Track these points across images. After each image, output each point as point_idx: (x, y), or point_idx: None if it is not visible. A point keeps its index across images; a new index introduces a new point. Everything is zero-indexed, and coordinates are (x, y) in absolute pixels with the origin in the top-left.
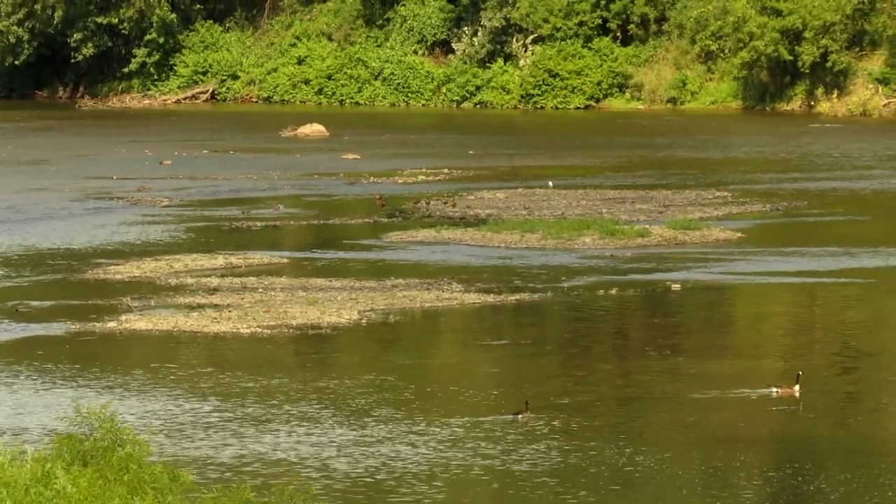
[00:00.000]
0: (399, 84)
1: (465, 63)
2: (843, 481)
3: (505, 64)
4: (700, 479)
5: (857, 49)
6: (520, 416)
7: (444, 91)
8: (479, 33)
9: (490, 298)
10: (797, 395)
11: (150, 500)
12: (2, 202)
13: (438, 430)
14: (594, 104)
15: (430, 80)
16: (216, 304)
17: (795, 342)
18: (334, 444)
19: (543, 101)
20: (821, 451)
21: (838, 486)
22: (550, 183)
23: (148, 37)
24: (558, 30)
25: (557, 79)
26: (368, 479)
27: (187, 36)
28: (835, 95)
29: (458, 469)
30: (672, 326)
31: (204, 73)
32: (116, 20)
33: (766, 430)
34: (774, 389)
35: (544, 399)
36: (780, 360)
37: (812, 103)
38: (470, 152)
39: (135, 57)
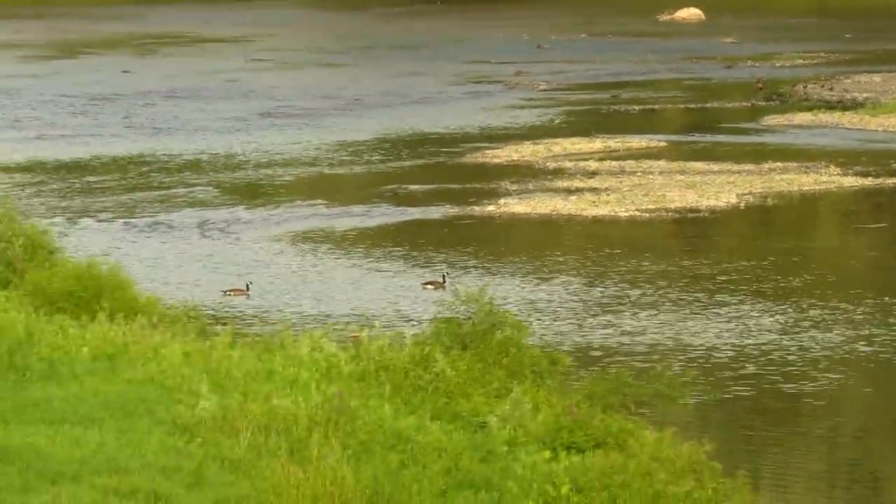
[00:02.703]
0: None
1: None
2: None
3: None
4: None
5: None
6: None
7: None
8: None
9: (868, 182)
10: None
11: (528, 383)
12: (380, 86)
13: (832, 314)
14: None
15: None
16: (594, 188)
17: None
18: (713, 329)
19: None
20: None
21: None
22: None
23: None
24: None
25: None
26: (766, 370)
27: None
28: None
29: (868, 354)
30: None
31: None
32: None
33: None
34: None
35: None
36: None
37: None
38: (847, 36)
39: None
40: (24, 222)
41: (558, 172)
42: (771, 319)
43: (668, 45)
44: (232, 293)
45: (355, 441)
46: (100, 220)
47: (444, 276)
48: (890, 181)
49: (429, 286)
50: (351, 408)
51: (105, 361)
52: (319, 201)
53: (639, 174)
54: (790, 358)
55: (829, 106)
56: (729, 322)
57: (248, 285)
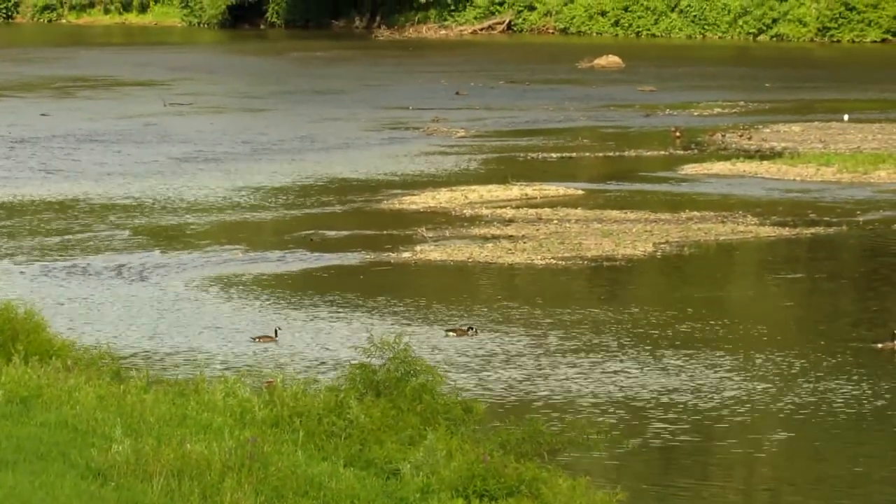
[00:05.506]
0: (695, 16)
1: None
2: None
3: None
4: None
5: None
6: (879, 345)
7: (740, 23)
8: None
9: (785, 232)
10: None
11: (442, 430)
12: (298, 132)
13: (748, 364)
14: (891, 38)
15: (726, 12)
16: (511, 236)
17: None
18: (628, 378)
19: (839, 35)
20: None
21: None
22: (846, 116)
23: None
24: None
25: (854, 12)
26: (682, 420)
27: None
28: None
29: (783, 405)
30: None
31: (500, 4)
32: None
33: None
34: None
35: (842, 333)
36: None
37: None
38: (766, 85)
39: None
40: None
41: (475, 220)
42: (686, 369)
43: (587, 93)
44: (260, 340)
45: (268, 487)
46: (15, 263)
47: (470, 326)
48: (807, 231)
49: (451, 334)
50: (264, 453)
51: (19, 405)
52: (236, 246)
53: (555, 222)
54: (705, 408)
55: (748, 155)
56: (643, 371)
57: (276, 331)
